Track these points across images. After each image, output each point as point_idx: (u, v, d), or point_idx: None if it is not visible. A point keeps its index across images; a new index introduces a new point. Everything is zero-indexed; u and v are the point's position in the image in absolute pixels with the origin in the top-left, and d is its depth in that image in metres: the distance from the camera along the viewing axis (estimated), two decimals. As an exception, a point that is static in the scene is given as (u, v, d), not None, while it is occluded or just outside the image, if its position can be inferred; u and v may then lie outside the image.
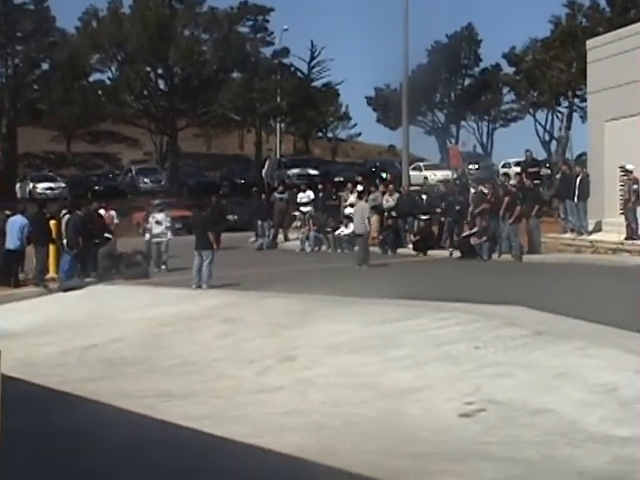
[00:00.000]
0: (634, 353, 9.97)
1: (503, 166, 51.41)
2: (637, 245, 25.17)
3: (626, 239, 25.72)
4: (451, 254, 27.72)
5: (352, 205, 32.36)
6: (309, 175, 54.26)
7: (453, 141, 71.26)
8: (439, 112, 75.58)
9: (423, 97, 66.63)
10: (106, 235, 25.69)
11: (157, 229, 27.46)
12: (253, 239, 36.08)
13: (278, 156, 64.14)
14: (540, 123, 68.73)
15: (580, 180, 27.84)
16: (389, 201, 31.53)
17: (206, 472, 7.24)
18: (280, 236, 36.20)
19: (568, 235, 28.50)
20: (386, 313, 14.18)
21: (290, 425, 9.04)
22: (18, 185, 58.84)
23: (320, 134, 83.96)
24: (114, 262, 24.94)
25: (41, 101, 69.28)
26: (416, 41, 64.07)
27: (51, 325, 18.11)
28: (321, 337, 13.26)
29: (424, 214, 30.67)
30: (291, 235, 36.65)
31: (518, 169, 36.74)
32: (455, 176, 39.69)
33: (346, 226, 31.74)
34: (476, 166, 52.92)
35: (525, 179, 29.17)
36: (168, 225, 27.81)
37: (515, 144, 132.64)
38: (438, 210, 30.16)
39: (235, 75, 71.89)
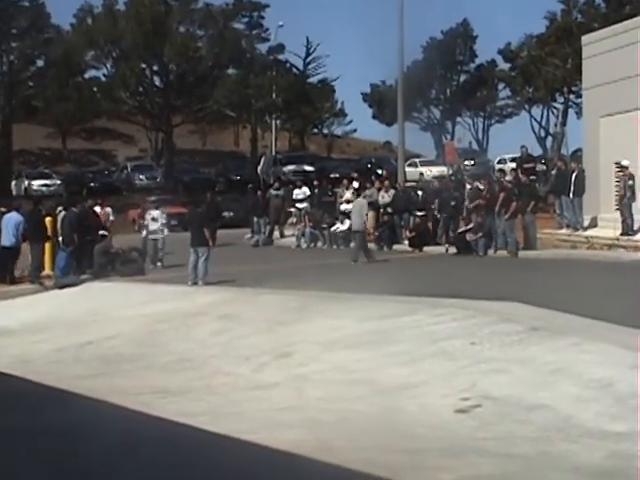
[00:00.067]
0: (630, 348, 9.97)
1: (499, 162, 51.41)
2: (633, 241, 25.21)
3: (621, 235, 25.76)
4: (447, 250, 27.74)
5: (348, 201, 32.42)
6: (305, 171, 54.24)
7: (449, 137, 71.30)
8: (435, 108, 75.59)
9: (419, 93, 66.58)
10: (101, 232, 25.68)
11: (153, 226, 27.46)
12: (249, 236, 36.06)
13: (274, 152, 64.07)
14: (535, 119, 68.81)
15: (576, 176, 27.88)
16: (385, 197, 31.53)
17: (202, 468, 7.24)
18: (276, 232, 36.21)
19: (564, 231, 28.54)
20: (382, 309, 14.18)
21: (286, 421, 9.05)
22: (13, 182, 58.86)
23: (316, 130, 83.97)
24: (110, 259, 24.92)
25: (36, 98, 69.15)
26: (411, 37, 63.88)
27: (47, 322, 18.10)
28: (317, 333, 13.26)
29: (420, 210, 30.69)
30: (287, 231, 36.68)
31: (514, 165, 36.76)
32: (451, 172, 39.76)
33: (342, 222, 31.76)
34: (472, 162, 52.97)
35: (521, 175, 29.17)
36: (164, 222, 27.80)
37: (511, 140, 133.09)
38: (433, 206, 30.19)
39: (230, 71, 71.86)
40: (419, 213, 30.52)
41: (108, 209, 30.49)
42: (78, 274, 23.71)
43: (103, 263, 24.60)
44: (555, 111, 65.91)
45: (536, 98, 66.42)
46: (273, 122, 71.47)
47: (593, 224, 28.04)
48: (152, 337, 15.20)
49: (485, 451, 7.57)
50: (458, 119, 76.24)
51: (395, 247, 29.81)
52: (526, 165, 33.60)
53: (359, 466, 7.01)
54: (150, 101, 66.33)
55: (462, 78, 75.67)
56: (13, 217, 23.86)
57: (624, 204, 25.98)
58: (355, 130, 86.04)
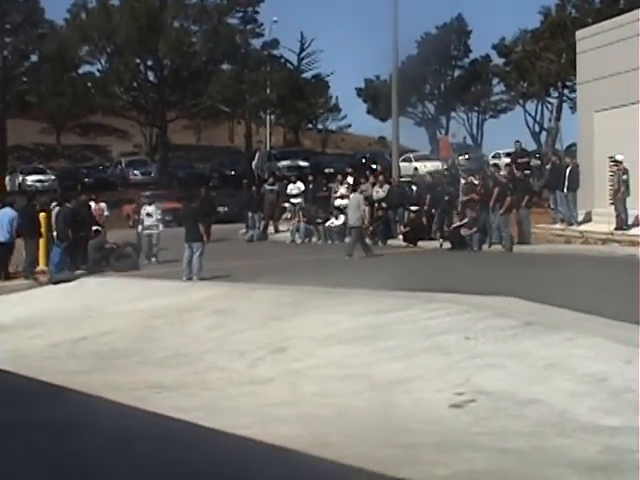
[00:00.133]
0: (623, 343, 9.99)
1: (493, 157, 51.45)
2: (627, 235, 25.24)
3: (616, 229, 25.79)
4: (441, 245, 27.76)
5: (342, 196, 32.45)
6: (299, 167, 54.25)
7: (443, 132, 71.23)
8: (429, 103, 75.58)
9: (413, 88, 66.62)
10: (95, 228, 25.67)
11: (148, 221, 27.52)
12: (243, 231, 36.07)
13: (268, 148, 64.09)
14: (530, 114, 68.86)
15: (570, 171, 27.91)
16: (379, 192, 31.52)
17: (197, 463, 7.24)
18: (270, 228, 36.22)
19: (558, 226, 28.57)
20: (376, 304, 14.19)
21: (281, 416, 9.05)
22: (7, 178, 58.73)
23: (310, 126, 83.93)
24: (104, 254, 24.91)
25: (30, 93, 69.07)
26: (406, 32, 63.61)
27: (41, 318, 18.08)
28: (312, 328, 13.26)
29: (414, 205, 30.70)
30: (281, 227, 36.69)
31: (508, 160, 36.79)
32: (445, 167, 39.74)
33: (336, 217, 31.78)
34: (466, 157, 52.95)
35: (515, 170, 29.24)
36: (159, 217, 27.85)
37: (505, 135, 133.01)
38: (426, 201, 30.19)
39: (225, 67, 71.76)
40: (413, 208, 30.53)
41: (102, 204, 30.49)
42: (72, 270, 23.71)
43: (97, 259, 24.60)
44: (549, 106, 66.04)
45: (530, 93, 66.47)
46: (267, 117, 71.43)
47: (587, 219, 28.08)
48: (147, 332, 15.19)
49: (479, 446, 7.58)
50: (452, 114, 76.31)
51: (389, 242, 29.83)
52: (520, 160, 33.62)
53: (354, 461, 7.02)
54: (144, 96, 66.24)
55: (456, 73, 75.68)
56: (7, 213, 23.82)
57: (618, 199, 26.01)
58: (349, 125, 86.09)
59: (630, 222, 25.84)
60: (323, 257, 26.13)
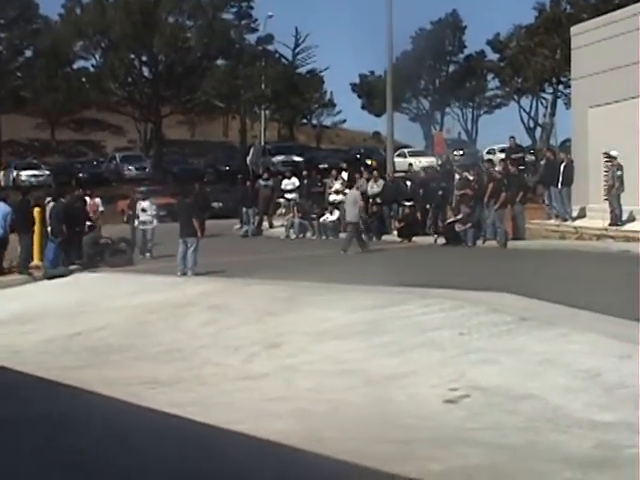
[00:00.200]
0: (618, 338, 10.00)
1: (488, 152, 51.46)
2: (621, 231, 25.26)
3: (610, 225, 25.80)
4: (436, 240, 27.78)
5: (337, 192, 32.45)
6: (294, 162, 54.18)
7: (438, 128, 71.42)
8: (424, 99, 75.73)
9: (408, 84, 66.70)
10: (88, 223, 25.66)
11: (143, 217, 27.53)
12: (238, 226, 36.07)
13: (263, 143, 64.07)
14: (524, 109, 69.00)
15: (564, 166, 27.93)
16: (374, 188, 31.53)
17: (192, 459, 7.24)
18: (265, 223, 36.20)
19: (552, 221, 28.58)
20: (371, 299, 14.18)
21: (275, 412, 9.04)
22: (2, 173, 58.64)
23: (305, 121, 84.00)
24: (99, 250, 24.89)
25: (25, 88, 69.05)
26: (400, 28, 63.72)
27: (35, 313, 18.05)
28: (306, 324, 13.26)
29: (409, 200, 30.70)
30: (276, 222, 36.66)
31: (503, 155, 36.81)
32: (440, 162, 39.76)
33: (331, 213, 31.79)
34: (461, 152, 53.00)
35: (509, 165, 29.23)
36: (154, 213, 27.85)
37: (500, 130, 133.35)
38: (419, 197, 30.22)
39: (219, 62, 71.74)
40: (408, 203, 30.53)
41: (97, 200, 30.45)
42: (67, 265, 23.68)
43: (92, 254, 24.58)
44: (544, 101, 66.19)
45: (525, 89, 66.56)
46: (262, 113, 71.39)
47: (582, 214, 28.09)
48: (141, 328, 15.18)
49: (474, 441, 7.59)
50: (447, 110, 76.49)
51: (384, 237, 29.86)
52: (515, 155, 33.67)
53: (348, 456, 7.02)
54: (139, 92, 66.17)
55: (451, 69, 75.82)
56: (1, 208, 23.76)
57: (612, 194, 26.01)
58: (344, 121, 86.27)
59: (624, 218, 25.84)
60: (318, 252, 26.13)
